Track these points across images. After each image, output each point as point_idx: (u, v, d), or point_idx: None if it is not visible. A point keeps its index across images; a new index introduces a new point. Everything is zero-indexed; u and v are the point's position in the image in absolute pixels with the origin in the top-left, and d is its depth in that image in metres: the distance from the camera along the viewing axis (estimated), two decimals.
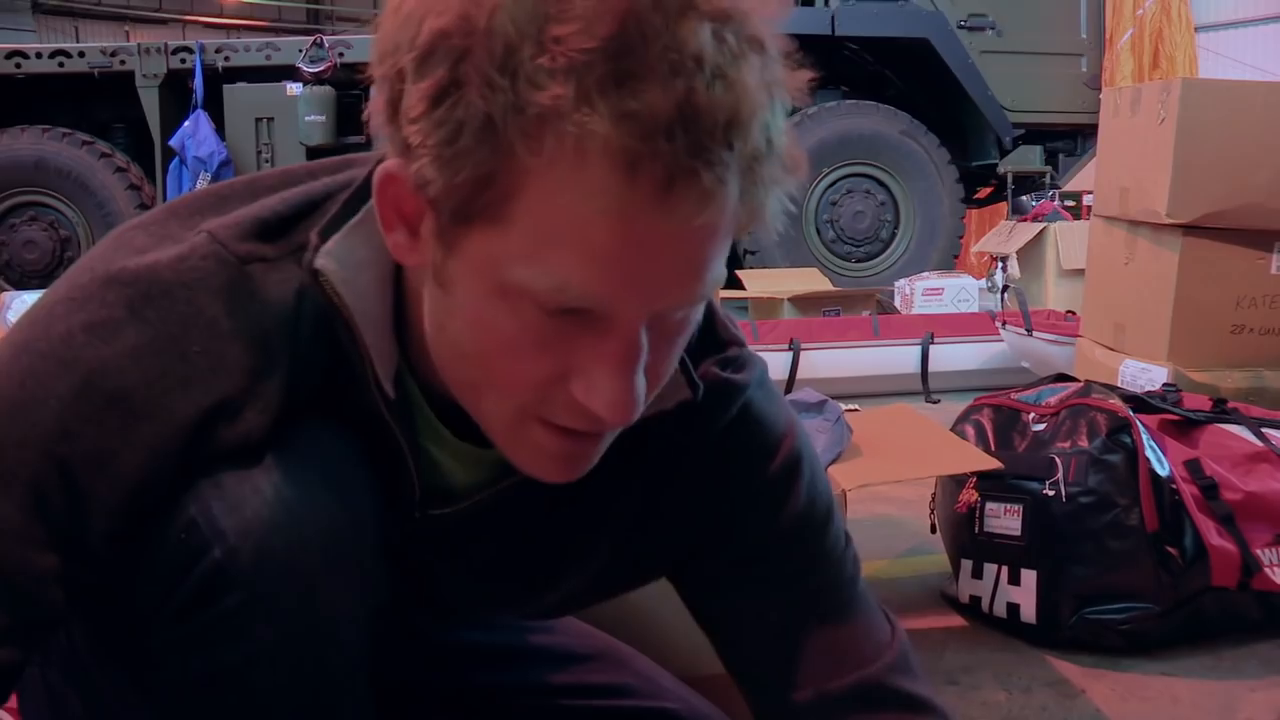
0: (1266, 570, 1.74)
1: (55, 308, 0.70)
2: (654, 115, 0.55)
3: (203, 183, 5.81)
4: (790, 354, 3.94)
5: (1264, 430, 1.90)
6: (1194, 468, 1.78)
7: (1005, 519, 1.81)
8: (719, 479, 0.85)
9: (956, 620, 1.90)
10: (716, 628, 0.90)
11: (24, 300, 5.78)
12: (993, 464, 1.66)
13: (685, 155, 0.56)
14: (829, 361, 3.99)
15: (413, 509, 0.79)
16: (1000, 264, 5.71)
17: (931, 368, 4.05)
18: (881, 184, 6.72)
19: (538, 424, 0.68)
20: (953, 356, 4.10)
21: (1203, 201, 2.50)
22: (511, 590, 0.91)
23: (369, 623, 0.75)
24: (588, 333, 0.63)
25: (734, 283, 5.33)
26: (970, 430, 1.97)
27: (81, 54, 6.09)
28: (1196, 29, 9.84)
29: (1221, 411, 1.95)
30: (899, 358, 4.08)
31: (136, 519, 0.69)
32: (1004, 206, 7.17)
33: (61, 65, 6.03)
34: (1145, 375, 2.62)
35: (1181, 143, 2.49)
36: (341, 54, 6.01)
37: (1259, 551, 1.75)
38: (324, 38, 6.24)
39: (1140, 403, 1.90)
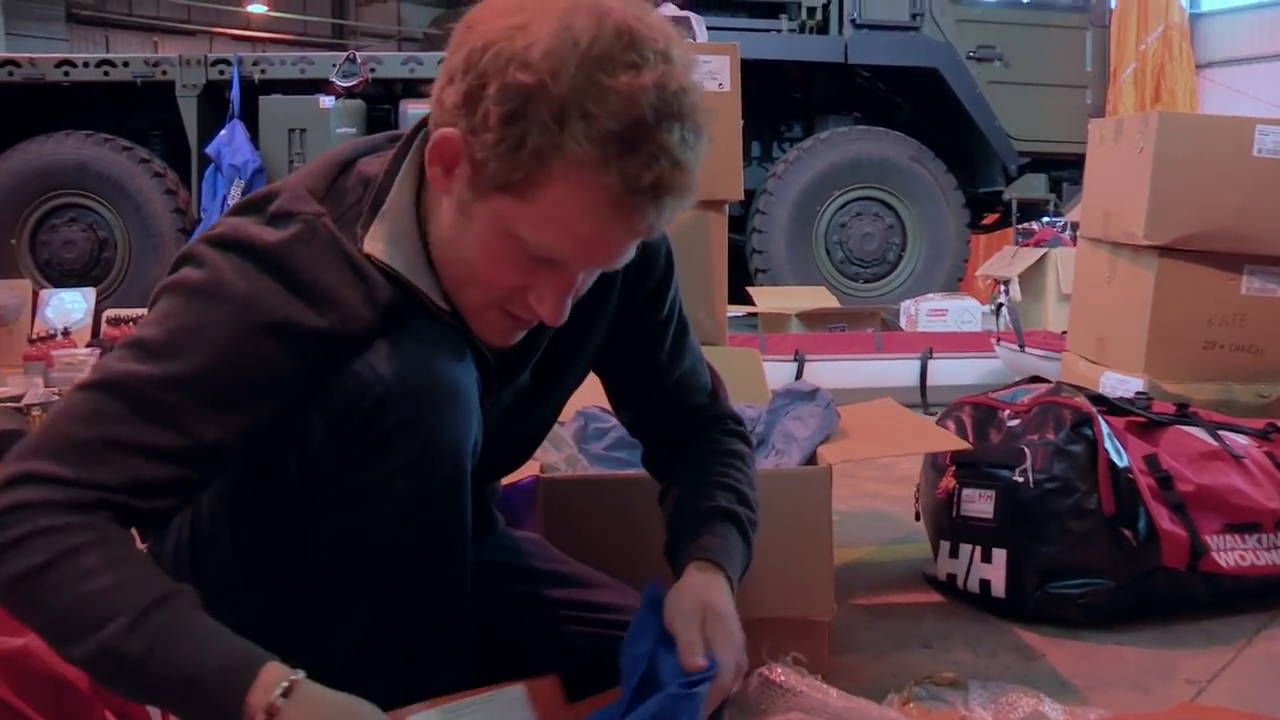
0: (1214, 554, 1.93)
1: (199, 265, 1.00)
2: (640, 182, 0.93)
3: (237, 189, 6.03)
4: (795, 364, 4.14)
5: (1220, 432, 2.10)
6: (1152, 462, 1.97)
7: (979, 503, 2.01)
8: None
9: (935, 596, 2.09)
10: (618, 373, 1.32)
11: (61, 297, 5.94)
12: (961, 445, 1.85)
13: (649, 206, 0.95)
14: (832, 373, 4.17)
15: (489, 382, 1.13)
16: (1003, 287, 5.89)
17: (930, 381, 4.25)
18: (890, 207, 6.93)
19: (497, 310, 1.05)
20: (950, 371, 4.30)
21: (1177, 225, 2.71)
22: (542, 418, 1.28)
23: (473, 454, 1.05)
24: (548, 269, 1.00)
25: (744, 299, 5.52)
26: (952, 425, 2.16)
27: (125, 64, 6.33)
28: (1209, 64, 10.03)
29: (1183, 415, 2.14)
30: (899, 370, 4.28)
31: (305, 386, 1.00)
32: (1010, 231, 7.36)
33: (107, 74, 6.27)
34: (1123, 386, 2.80)
35: (1158, 170, 2.70)
36: (373, 69, 6.23)
37: (1208, 538, 1.94)
38: (356, 54, 6.46)
39: (1110, 405, 2.09)
